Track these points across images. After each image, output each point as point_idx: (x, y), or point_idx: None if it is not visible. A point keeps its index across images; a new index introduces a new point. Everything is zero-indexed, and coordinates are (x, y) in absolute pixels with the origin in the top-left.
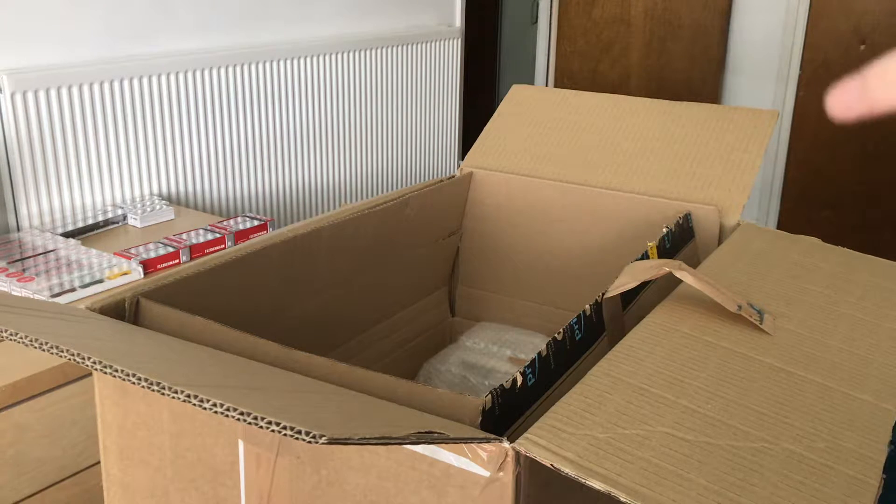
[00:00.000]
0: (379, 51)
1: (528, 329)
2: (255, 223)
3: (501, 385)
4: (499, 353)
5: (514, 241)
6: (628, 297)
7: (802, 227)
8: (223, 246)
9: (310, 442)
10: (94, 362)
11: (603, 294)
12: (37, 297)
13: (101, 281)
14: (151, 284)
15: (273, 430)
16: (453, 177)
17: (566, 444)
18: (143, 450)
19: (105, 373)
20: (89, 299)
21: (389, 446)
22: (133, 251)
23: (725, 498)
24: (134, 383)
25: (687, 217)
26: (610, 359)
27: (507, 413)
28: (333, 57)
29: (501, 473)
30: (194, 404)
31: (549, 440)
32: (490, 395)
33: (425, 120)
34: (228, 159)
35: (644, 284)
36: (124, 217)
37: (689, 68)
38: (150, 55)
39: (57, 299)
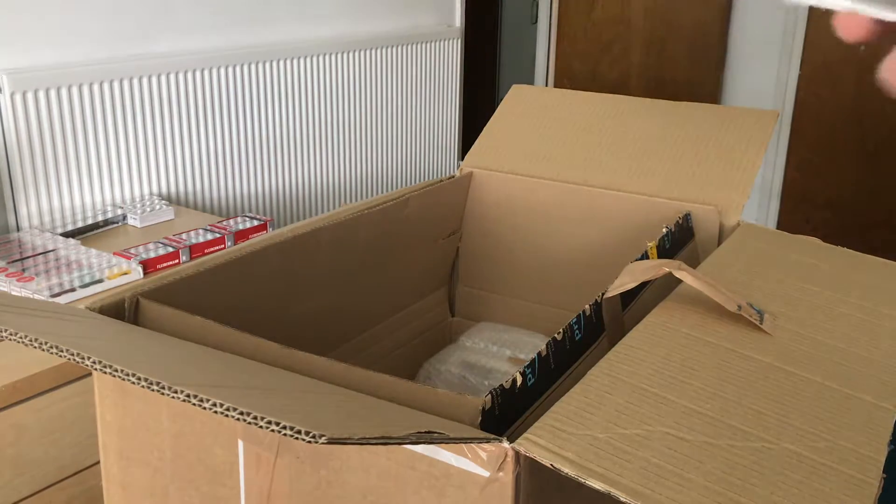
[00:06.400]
0: (379, 51)
1: (528, 329)
2: (255, 223)
3: (501, 385)
4: (499, 353)
5: (514, 241)
6: (628, 297)
7: (802, 227)
8: (223, 246)
9: (310, 442)
10: (94, 362)
11: (603, 294)
12: (37, 297)
13: (100, 281)
14: (151, 284)
15: (273, 430)
16: (453, 177)
17: (566, 444)
18: (142, 450)
19: (105, 373)
20: (89, 299)
21: (389, 446)
22: (133, 251)
23: (725, 498)
24: (134, 383)
25: (687, 217)
26: (610, 359)
27: (506, 413)
28: (333, 57)
29: (501, 473)
30: (194, 404)
31: (548, 440)
32: (490, 395)
33: (425, 120)
34: (228, 159)
35: (644, 284)
36: (124, 217)
37: (689, 68)
38: (150, 55)
39: (57, 299)
